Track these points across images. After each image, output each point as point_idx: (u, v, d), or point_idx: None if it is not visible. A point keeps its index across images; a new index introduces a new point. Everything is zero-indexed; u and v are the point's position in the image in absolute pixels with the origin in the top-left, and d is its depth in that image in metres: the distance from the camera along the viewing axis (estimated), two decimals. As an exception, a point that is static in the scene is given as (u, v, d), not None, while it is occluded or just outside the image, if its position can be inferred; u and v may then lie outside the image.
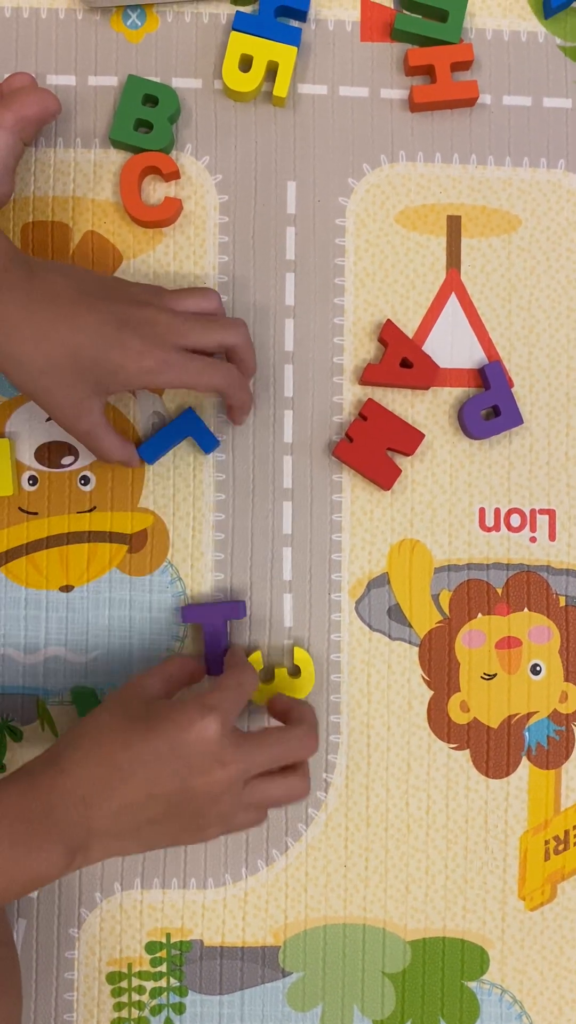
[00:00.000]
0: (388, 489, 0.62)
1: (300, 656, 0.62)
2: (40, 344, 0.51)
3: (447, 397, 0.64)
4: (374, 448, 0.62)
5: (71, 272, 0.55)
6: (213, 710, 0.51)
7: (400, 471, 0.62)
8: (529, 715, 0.63)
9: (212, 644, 0.61)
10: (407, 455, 0.62)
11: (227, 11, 0.64)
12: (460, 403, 0.64)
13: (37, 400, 0.54)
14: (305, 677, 0.62)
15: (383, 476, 0.62)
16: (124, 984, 0.62)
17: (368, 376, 0.62)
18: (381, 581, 0.63)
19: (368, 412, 0.62)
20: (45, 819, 0.48)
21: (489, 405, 0.63)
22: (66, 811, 0.48)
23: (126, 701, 0.53)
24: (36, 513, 0.63)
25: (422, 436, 0.62)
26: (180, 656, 0.59)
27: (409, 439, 0.62)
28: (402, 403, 0.64)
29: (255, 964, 0.62)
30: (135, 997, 0.62)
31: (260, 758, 0.52)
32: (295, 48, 0.62)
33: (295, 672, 0.62)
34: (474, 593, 0.64)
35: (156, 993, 0.62)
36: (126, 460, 0.58)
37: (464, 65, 0.64)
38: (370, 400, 0.62)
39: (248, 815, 0.54)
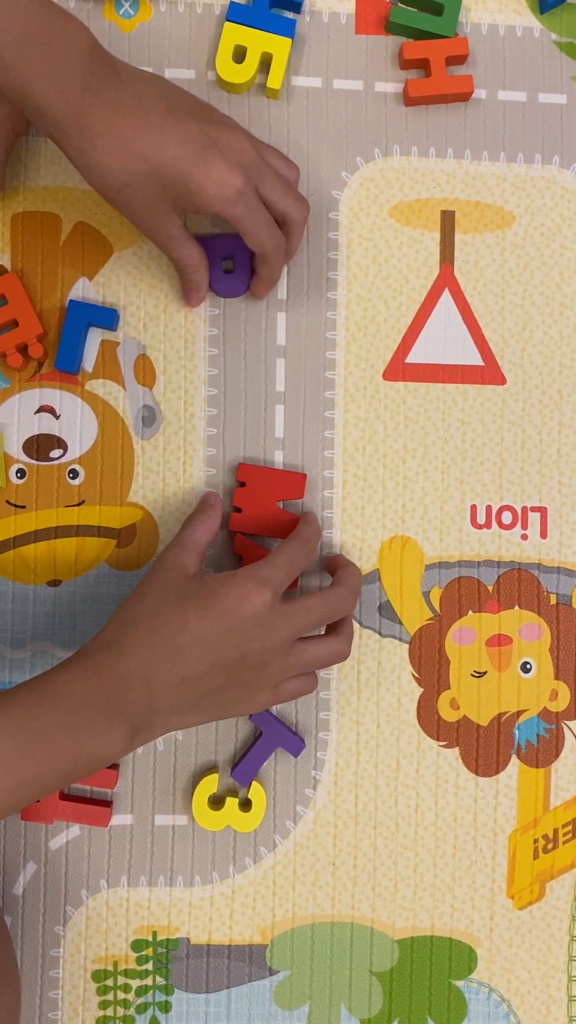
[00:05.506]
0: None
1: (255, 790, 0.61)
2: (120, 155, 0.50)
3: (439, 393, 0.64)
4: (264, 507, 0.61)
5: (161, 83, 0.53)
6: (266, 583, 0.53)
7: (298, 519, 0.61)
8: (519, 713, 0.63)
9: None
10: (299, 499, 0.62)
11: (221, 1, 0.64)
12: (454, 400, 0.63)
13: (118, 210, 0.53)
14: (255, 812, 0.61)
15: (283, 531, 0.61)
16: (110, 982, 0.62)
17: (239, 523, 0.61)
18: (372, 578, 0.63)
19: (244, 476, 0.61)
20: (109, 702, 0.49)
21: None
22: (130, 692, 0.50)
23: (173, 582, 0.54)
24: (24, 507, 0.62)
25: (304, 476, 0.62)
26: (199, 519, 0.58)
27: (293, 485, 0.61)
28: (393, 398, 0.63)
29: (242, 963, 0.62)
30: (121, 995, 0.62)
31: (304, 621, 0.55)
32: (289, 40, 0.61)
33: (246, 805, 0.61)
34: (465, 590, 0.63)
35: (142, 991, 0.62)
36: (199, 270, 0.58)
37: (459, 59, 0.63)
38: (241, 464, 0.61)
39: (296, 682, 0.56)
